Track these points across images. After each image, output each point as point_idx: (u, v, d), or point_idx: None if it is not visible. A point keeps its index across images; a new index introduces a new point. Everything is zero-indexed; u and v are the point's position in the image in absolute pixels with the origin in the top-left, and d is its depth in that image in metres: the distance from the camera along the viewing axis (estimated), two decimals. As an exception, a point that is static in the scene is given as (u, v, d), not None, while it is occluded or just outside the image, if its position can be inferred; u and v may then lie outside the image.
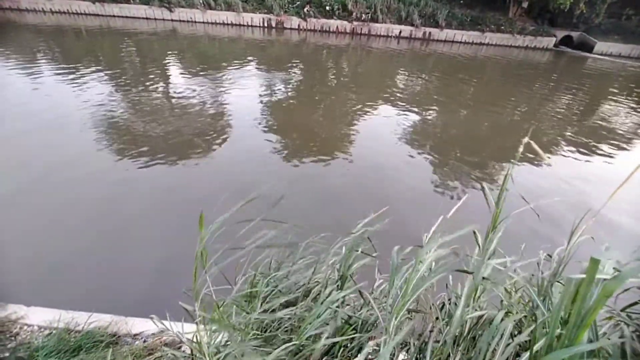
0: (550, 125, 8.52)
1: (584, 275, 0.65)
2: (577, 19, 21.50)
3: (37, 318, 2.31)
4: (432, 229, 1.19)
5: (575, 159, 6.68)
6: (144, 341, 2.15)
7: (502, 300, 1.18)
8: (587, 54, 20.86)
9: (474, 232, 1.13)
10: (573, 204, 4.89)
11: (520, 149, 0.95)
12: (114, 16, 17.86)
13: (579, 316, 0.66)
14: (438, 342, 1.01)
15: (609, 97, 12.21)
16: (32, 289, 2.98)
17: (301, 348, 1.04)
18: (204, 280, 1.04)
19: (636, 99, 11.97)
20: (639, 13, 21.82)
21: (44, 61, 9.78)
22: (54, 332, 2.18)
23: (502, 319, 0.92)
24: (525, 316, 1.04)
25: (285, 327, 1.24)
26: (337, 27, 19.72)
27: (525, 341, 0.93)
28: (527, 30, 21.11)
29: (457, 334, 0.99)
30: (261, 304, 1.28)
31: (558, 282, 1.07)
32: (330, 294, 1.20)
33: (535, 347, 0.81)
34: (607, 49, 20.90)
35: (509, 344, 0.89)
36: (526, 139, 0.95)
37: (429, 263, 0.94)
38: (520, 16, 22.00)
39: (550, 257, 1.21)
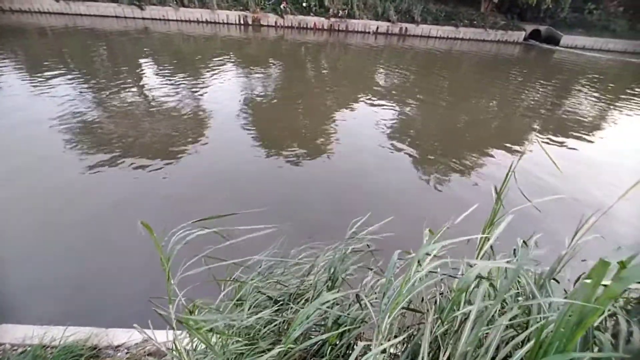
0: (523, 114, 8.86)
1: (588, 281, 0.62)
2: (544, 14, 22.44)
3: (9, 336, 2.18)
4: (425, 231, 1.16)
5: (548, 145, 6.97)
6: (127, 352, 2.07)
7: (488, 294, 1.15)
8: (555, 47, 21.79)
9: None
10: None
11: (527, 145, 0.90)
12: (80, 15, 17.01)
13: (580, 315, 0.63)
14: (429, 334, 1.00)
15: (577, 87, 12.82)
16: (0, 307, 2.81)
17: (289, 350, 1.03)
18: (181, 283, 1.01)
19: (601, 90, 12.62)
20: (599, 7, 23.03)
21: (7, 65, 9.20)
22: (28, 349, 2.07)
23: (492, 313, 0.88)
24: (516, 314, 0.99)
25: (272, 330, 1.22)
26: (314, 23, 19.63)
27: (512, 336, 0.91)
28: (498, 24, 21.79)
29: (448, 328, 0.99)
30: (249, 308, 1.25)
31: (554, 279, 1.01)
32: (319, 295, 1.18)
33: (519, 338, 0.79)
34: (572, 41, 21.90)
35: (504, 338, 0.85)
36: (533, 135, 0.90)
37: (426, 263, 0.92)
38: (492, 11, 22.71)
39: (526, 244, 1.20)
